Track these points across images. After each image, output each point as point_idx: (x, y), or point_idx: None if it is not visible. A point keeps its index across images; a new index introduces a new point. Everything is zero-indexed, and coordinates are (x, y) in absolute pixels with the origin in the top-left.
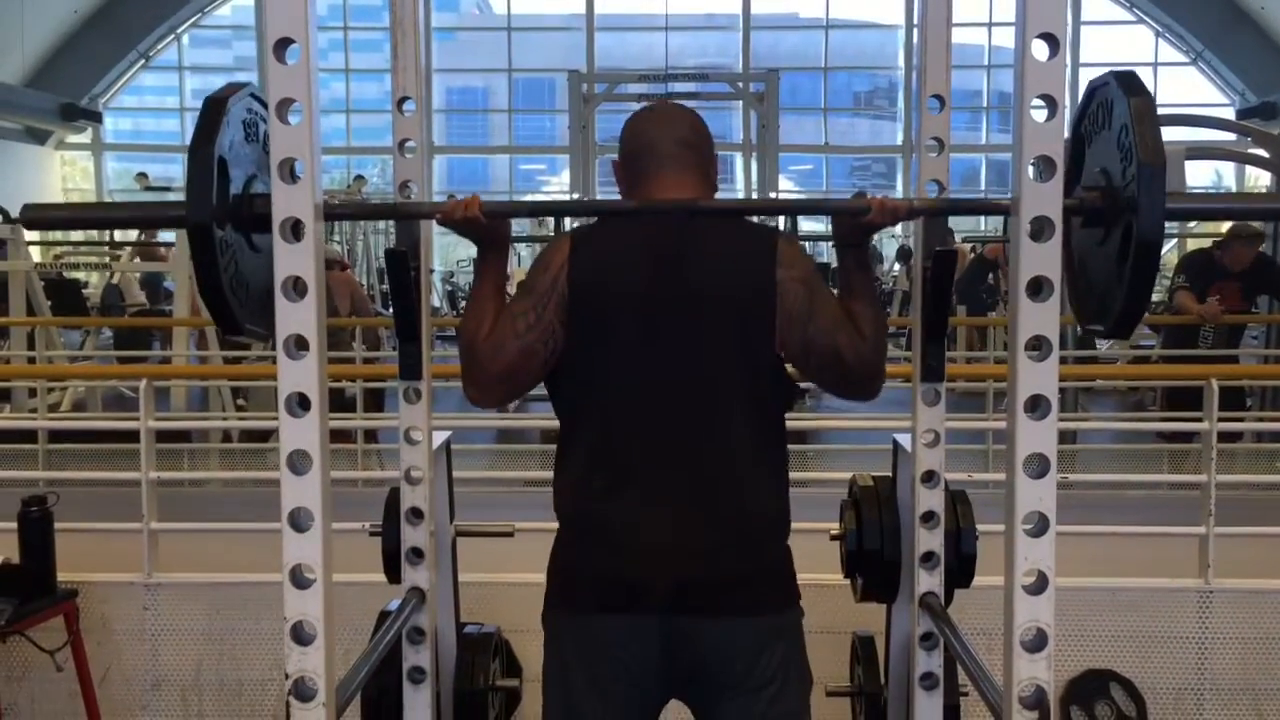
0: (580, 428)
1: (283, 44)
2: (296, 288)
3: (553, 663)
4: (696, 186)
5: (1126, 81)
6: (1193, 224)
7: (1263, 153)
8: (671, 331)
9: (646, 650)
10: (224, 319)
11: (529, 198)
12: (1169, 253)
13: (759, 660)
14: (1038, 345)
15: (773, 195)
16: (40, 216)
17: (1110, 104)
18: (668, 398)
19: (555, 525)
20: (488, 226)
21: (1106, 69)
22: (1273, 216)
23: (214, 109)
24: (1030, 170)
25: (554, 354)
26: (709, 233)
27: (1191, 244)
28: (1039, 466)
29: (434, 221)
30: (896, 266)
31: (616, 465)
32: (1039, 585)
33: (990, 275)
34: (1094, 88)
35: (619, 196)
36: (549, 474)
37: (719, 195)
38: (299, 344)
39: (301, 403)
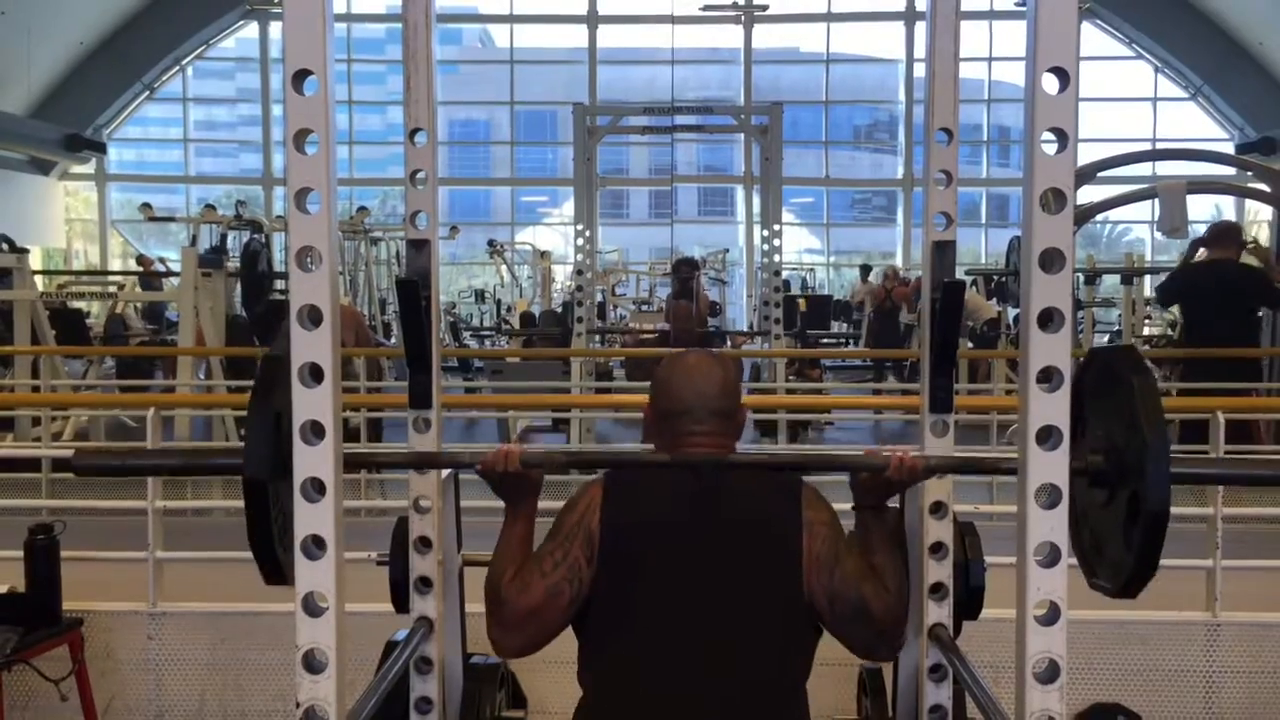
0: (604, 660)
1: (300, 75)
2: (311, 316)
3: None
4: (725, 443)
5: (1128, 358)
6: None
7: (1264, 187)
8: (701, 571)
9: None
10: (270, 569)
11: (530, 230)
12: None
13: None
14: (1048, 376)
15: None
16: (90, 464)
17: (1113, 374)
18: (697, 639)
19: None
20: (525, 477)
21: (1106, 103)
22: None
23: (273, 365)
24: (1039, 203)
25: (580, 594)
26: (737, 478)
27: None
28: (1050, 497)
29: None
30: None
31: (639, 701)
32: (1051, 616)
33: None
34: (1094, 352)
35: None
36: (558, 504)
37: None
38: (314, 373)
39: (315, 430)
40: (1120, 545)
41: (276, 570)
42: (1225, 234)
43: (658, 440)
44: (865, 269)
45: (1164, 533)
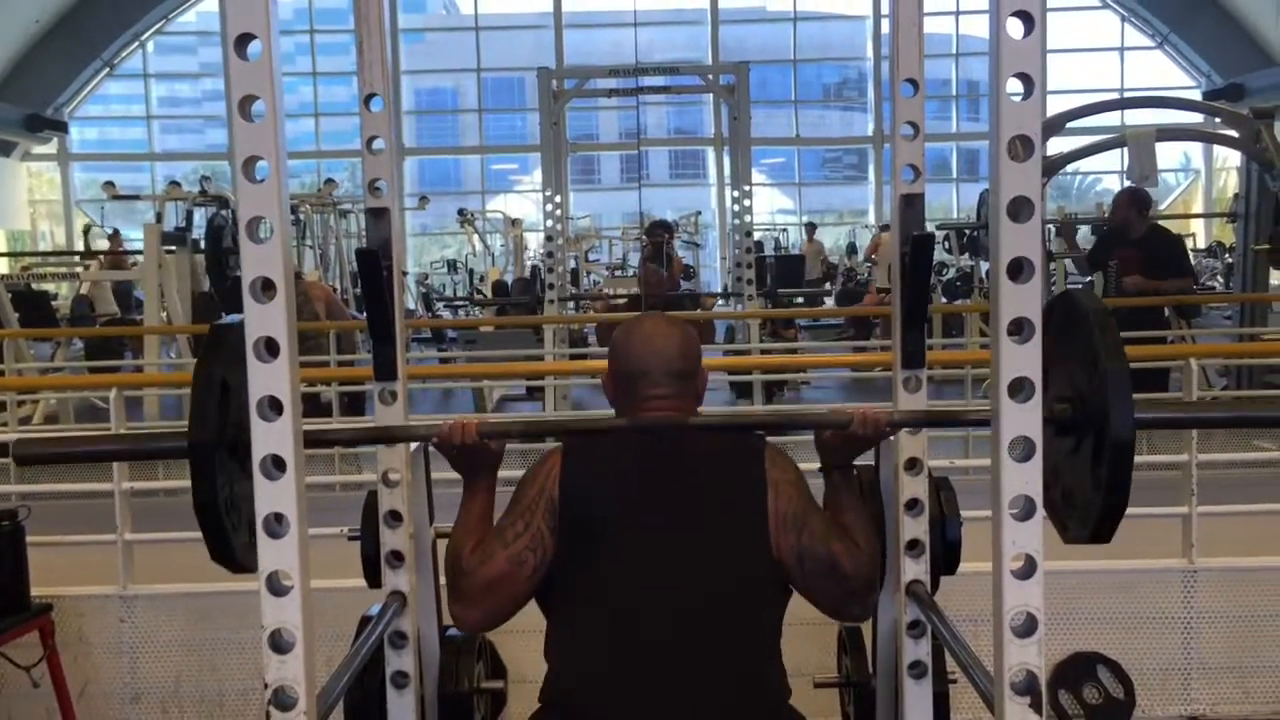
0: (573, 631)
1: (243, 40)
2: (265, 288)
3: None
4: (685, 405)
5: (1086, 300)
6: (1163, 207)
7: (1232, 133)
8: (666, 535)
9: None
10: (219, 548)
11: (501, 198)
12: None
13: None
14: (1020, 328)
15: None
16: (31, 454)
17: (1069, 314)
18: (665, 605)
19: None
20: (483, 449)
21: (1074, 53)
22: (1233, 424)
23: (220, 331)
24: (1006, 151)
25: (543, 564)
26: (699, 439)
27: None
28: (1024, 450)
29: (407, 235)
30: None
31: (609, 670)
32: (1027, 569)
33: None
34: (1052, 301)
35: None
36: (518, 475)
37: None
38: (269, 346)
39: (274, 406)
40: (1089, 487)
41: (226, 550)
42: (1138, 200)
43: (618, 406)
44: (810, 227)
45: (1130, 465)
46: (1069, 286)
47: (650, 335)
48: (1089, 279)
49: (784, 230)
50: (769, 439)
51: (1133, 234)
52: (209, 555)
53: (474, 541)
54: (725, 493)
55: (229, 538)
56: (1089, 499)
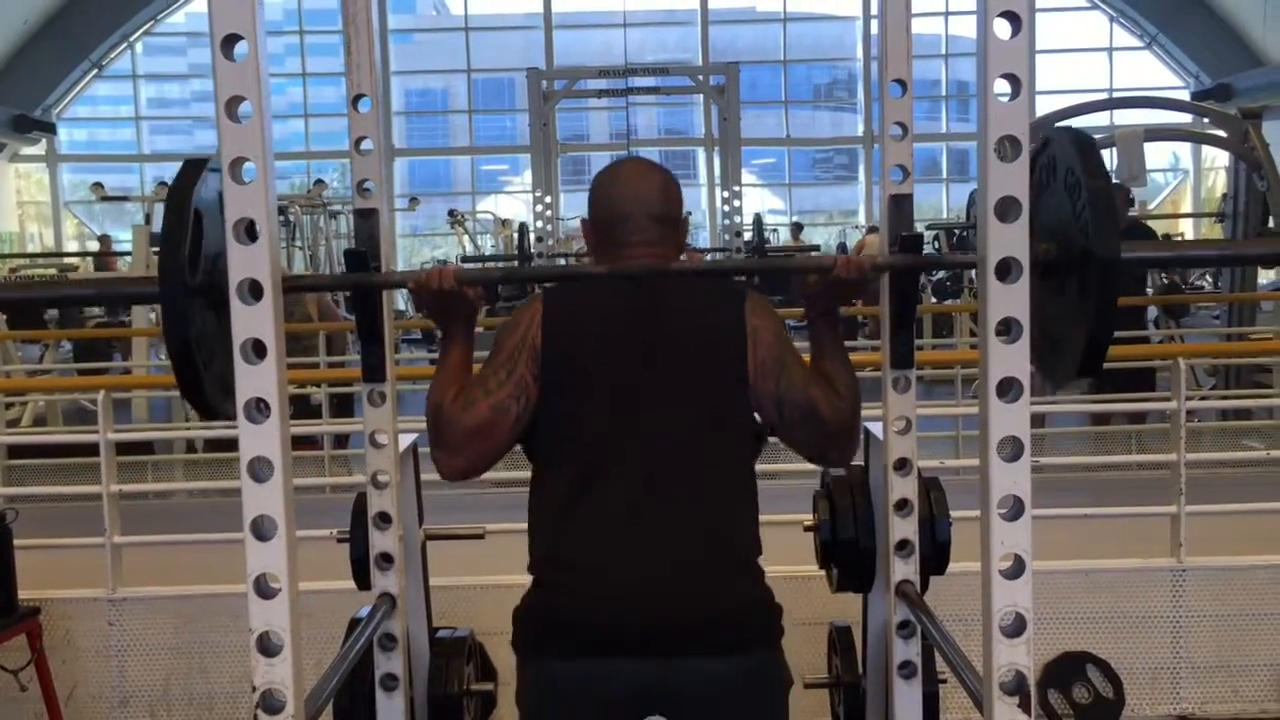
0: (554, 477)
1: (230, 40)
2: (252, 290)
3: (525, 714)
4: (667, 253)
5: (1072, 139)
6: (1152, 207)
7: (1220, 133)
8: (646, 378)
9: (621, 692)
10: (188, 381)
11: (491, 199)
12: None
13: (738, 704)
14: (1007, 328)
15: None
16: (11, 296)
17: (1053, 157)
18: (641, 443)
19: (526, 525)
20: (461, 296)
21: (1063, 54)
22: (1212, 263)
23: (191, 165)
24: (994, 151)
25: (526, 411)
26: (680, 287)
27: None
28: (1013, 450)
29: (396, 229)
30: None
31: (590, 512)
32: (1016, 569)
33: None
34: (1042, 140)
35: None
36: (518, 474)
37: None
38: (256, 349)
39: (260, 407)
40: (1074, 324)
41: (196, 388)
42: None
43: (598, 252)
44: (797, 226)
45: (1116, 286)
46: None
47: (630, 178)
48: None
49: (774, 230)
50: (752, 290)
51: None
52: (180, 392)
53: (455, 390)
54: (706, 338)
55: (200, 377)
56: (1074, 335)
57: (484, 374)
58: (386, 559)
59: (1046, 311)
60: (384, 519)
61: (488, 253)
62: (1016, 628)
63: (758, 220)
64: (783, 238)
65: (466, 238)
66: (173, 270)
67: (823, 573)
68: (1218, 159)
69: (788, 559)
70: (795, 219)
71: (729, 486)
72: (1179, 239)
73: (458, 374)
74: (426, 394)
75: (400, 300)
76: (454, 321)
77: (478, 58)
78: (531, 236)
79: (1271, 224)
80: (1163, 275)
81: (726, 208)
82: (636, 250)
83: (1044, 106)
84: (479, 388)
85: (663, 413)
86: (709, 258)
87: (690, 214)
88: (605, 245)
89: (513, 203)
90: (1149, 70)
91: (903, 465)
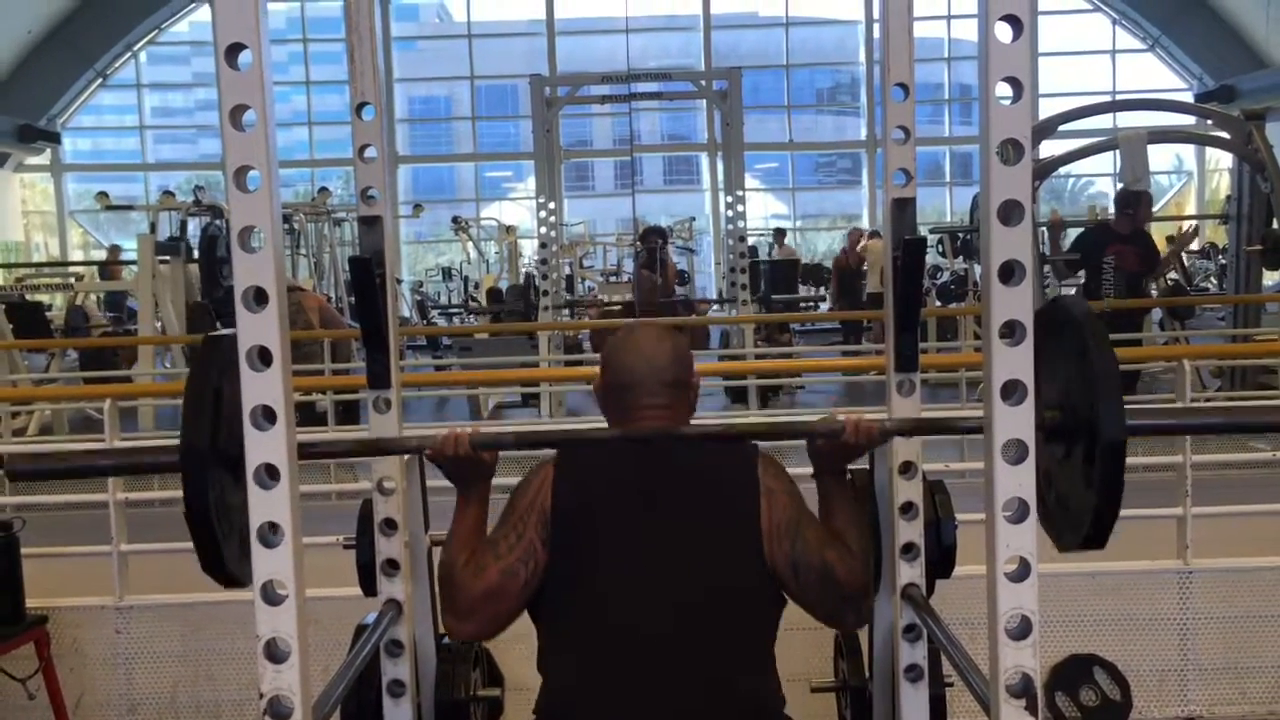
0: (564, 643)
1: (234, 50)
2: (257, 297)
3: None
4: (677, 415)
5: (1076, 307)
6: (1156, 209)
7: (1224, 134)
8: (660, 547)
9: None
10: (208, 553)
11: (495, 205)
12: None
13: None
14: (1011, 330)
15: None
16: (22, 470)
17: (1058, 320)
18: (661, 616)
19: None
20: (476, 461)
21: (1066, 57)
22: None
23: (213, 341)
24: (997, 155)
25: (535, 575)
26: (692, 449)
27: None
28: (1017, 452)
29: (400, 236)
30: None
31: (602, 683)
32: (1021, 572)
33: None
34: (1040, 310)
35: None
36: (518, 478)
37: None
38: (262, 356)
39: (267, 415)
40: (1081, 494)
41: (216, 560)
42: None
43: (610, 415)
44: (779, 233)
45: (1122, 471)
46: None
47: (642, 345)
48: (1064, 283)
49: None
50: (762, 447)
51: (1122, 231)
52: (200, 567)
53: (467, 554)
54: (718, 502)
55: (220, 548)
56: (1081, 506)
57: (494, 537)
58: (393, 565)
59: (1052, 472)
60: (390, 525)
61: (490, 260)
62: (1022, 630)
63: (779, 235)
64: (787, 242)
65: (470, 244)
66: (195, 445)
67: None
68: (1221, 161)
69: None
70: (775, 226)
71: (738, 645)
72: (1182, 233)
73: (471, 537)
74: (441, 552)
75: (405, 308)
76: (470, 483)
77: (481, 64)
78: (537, 276)
79: (1275, 225)
80: (1167, 278)
81: (730, 213)
82: (648, 414)
83: (1047, 109)
84: (489, 552)
85: (676, 578)
86: (713, 310)
87: (694, 219)
88: (617, 408)
89: (517, 209)
90: (1152, 72)
91: (908, 468)
